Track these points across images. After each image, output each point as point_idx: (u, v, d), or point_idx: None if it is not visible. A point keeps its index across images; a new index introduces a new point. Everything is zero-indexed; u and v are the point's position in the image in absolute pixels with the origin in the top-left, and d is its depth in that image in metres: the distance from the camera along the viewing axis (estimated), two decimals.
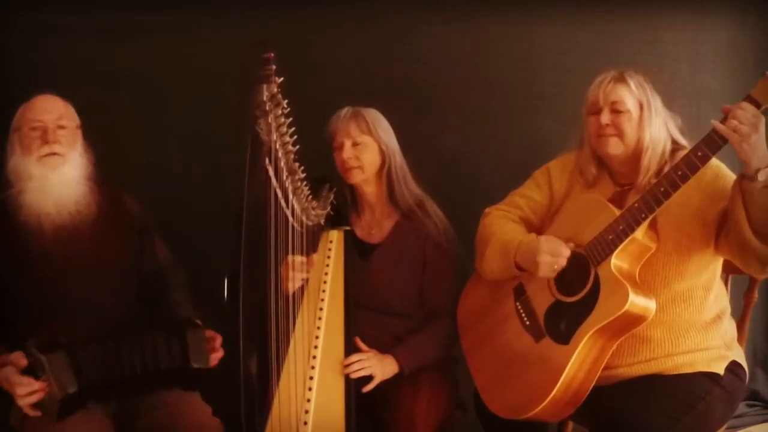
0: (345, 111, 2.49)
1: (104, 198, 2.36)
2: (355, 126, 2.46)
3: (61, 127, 2.29)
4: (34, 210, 2.25)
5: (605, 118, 2.15)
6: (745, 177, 1.95)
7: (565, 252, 2.13)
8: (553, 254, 2.13)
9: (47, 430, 2.06)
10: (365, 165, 2.47)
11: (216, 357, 2.23)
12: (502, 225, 2.32)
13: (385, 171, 2.50)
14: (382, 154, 2.49)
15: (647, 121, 2.15)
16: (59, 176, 2.27)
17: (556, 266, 2.14)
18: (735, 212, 1.97)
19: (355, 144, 2.45)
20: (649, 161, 2.16)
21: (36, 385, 2.04)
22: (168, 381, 2.19)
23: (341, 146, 2.46)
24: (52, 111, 2.29)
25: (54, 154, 2.26)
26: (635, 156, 2.17)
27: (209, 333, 2.24)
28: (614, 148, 2.17)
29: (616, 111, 2.15)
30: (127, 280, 2.38)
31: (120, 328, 2.21)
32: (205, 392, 2.28)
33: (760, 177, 1.92)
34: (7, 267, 2.24)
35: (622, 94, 2.15)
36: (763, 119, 1.91)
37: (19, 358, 2.06)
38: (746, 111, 1.91)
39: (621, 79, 2.16)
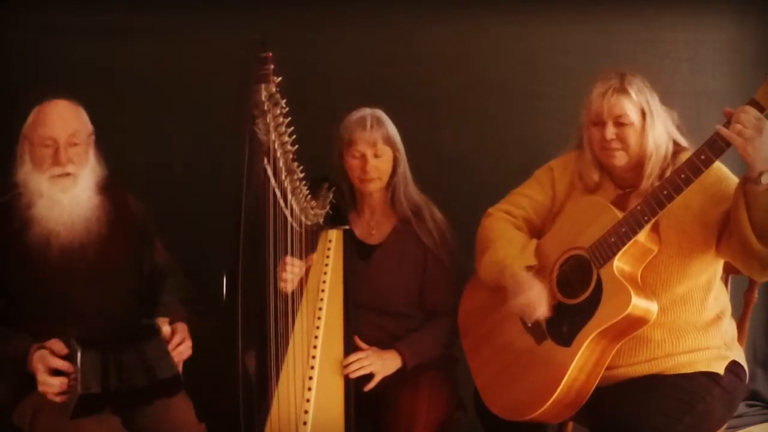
0: (369, 120, 2.43)
1: (111, 207, 2.36)
2: (380, 137, 2.43)
3: (74, 144, 2.26)
4: (44, 226, 2.24)
5: (610, 133, 2.14)
6: (749, 180, 1.95)
7: (539, 313, 2.14)
8: (528, 306, 2.14)
9: (59, 428, 2.07)
10: (384, 175, 2.47)
11: (180, 352, 2.21)
12: (502, 233, 2.30)
13: (393, 178, 2.50)
14: (395, 161, 2.48)
15: (650, 128, 2.14)
16: (70, 197, 2.26)
17: (524, 317, 2.17)
18: (737, 215, 1.97)
19: (376, 156, 2.44)
20: (652, 166, 2.15)
21: (70, 368, 2.05)
22: (149, 394, 2.17)
23: (362, 157, 2.43)
24: (65, 127, 2.24)
25: (66, 174, 2.24)
26: (639, 162, 2.17)
27: (173, 327, 2.23)
28: (619, 160, 2.16)
29: (620, 124, 2.14)
30: (127, 282, 2.38)
31: (119, 330, 2.22)
32: (205, 393, 2.28)
33: (764, 180, 1.92)
34: (10, 267, 2.24)
35: (625, 106, 2.12)
36: (766, 122, 1.91)
37: (60, 346, 2.07)
38: (749, 114, 1.90)
39: (622, 90, 2.13)
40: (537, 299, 2.14)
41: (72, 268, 2.26)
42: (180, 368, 2.20)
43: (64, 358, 2.07)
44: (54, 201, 2.24)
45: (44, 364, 2.06)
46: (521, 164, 2.57)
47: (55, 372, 2.07)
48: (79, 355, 2.03)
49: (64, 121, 2.26)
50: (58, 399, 2.06)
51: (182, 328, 2.26)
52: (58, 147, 2.23)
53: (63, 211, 2.25)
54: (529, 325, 2.22)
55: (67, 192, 2.25)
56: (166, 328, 2.21)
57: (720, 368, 2.16)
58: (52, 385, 2.05)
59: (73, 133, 2.26)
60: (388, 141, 2.45)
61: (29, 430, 2.16)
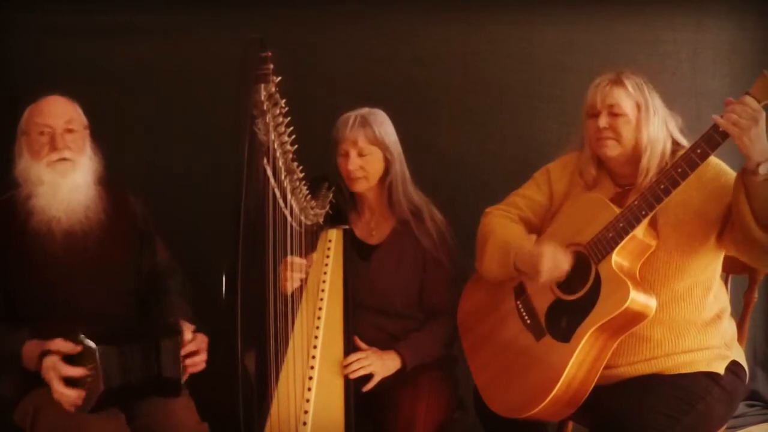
0: (353, 119, 2.44)
1: (111, 201, 2.37)
2: (362, 136, 2.43)
3: (70, 131, 2.28)
4: (45, 214, 2.25)
5: (603, 121, 2.15)
6: (747, 171, 1.95)
7: (566, 262, 2.13)
8: (555, 262, 2.13)
9: (63, 426, 2.06)
10: (370, 175, 2.46)
11: (195, 363, 2.21)
12: (501, 225, 2.32)
13: (387, 178, 2.49)
14: (386, 162, 2.47)
15: (645, 122, 2.15)
16: (70, 182, 2.27)
17: (557, 274, 2.15)
18: (739, 207, 1.97)
19: (361, 154, 2.43)
20: (649, 162, 2.16)
21: (85, 372, 2.04)
22: (145, 390, 2.17)
23: (347, 155, 2.44)
24: (60, 115, 2.28)
25: (64, 159, 2.26)
26: (635, 157, 2.17)
27: (195, 337, 2.23)
28: (612, 150, 2.17)
29: (613, 114, 2.15)
30: (128, 281, 2.39)
31: (119, 329, 2.22)
32: (205, 393, 2.28)
33: (762, 170, 1.92)
34: (10, 267, 2.24)
35: (618, 97, 2.15)
36: (763, 113, 1.92)
37: (67, 345, 2.06)
38: (746, 105, 1.91)
39: (618, 82, 2.16)
40: (557, 254, 2.13)
41: (73, 262, 2.26)
42: (185, 376, 2.20)
43: (75, 356, 2.05)
44: (54, 186, 2.25)
45: (57, 372, 2.05)
46: (521, 164, 2.57)
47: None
48: (97, 353, 2.03)
49: (60, 109, 2.29)
50: (72, 409, 2.06)
51: (202, 340, 2.25)
52: (55, 133, 2.25)
53: (63, 196, 2.26)
54: (525, 321, 2.23)
55: (67, 177, 2.27)
56: (187, 334, 2.21)
57: (720, 368, 2.16)
58: (69, 396, 2.04)
59: (69, 120, 2.29)
60: (375, 141, 2.44)
61: (30, 430, 2.15)
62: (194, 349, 2.22)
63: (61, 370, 2.05)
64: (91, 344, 2.04)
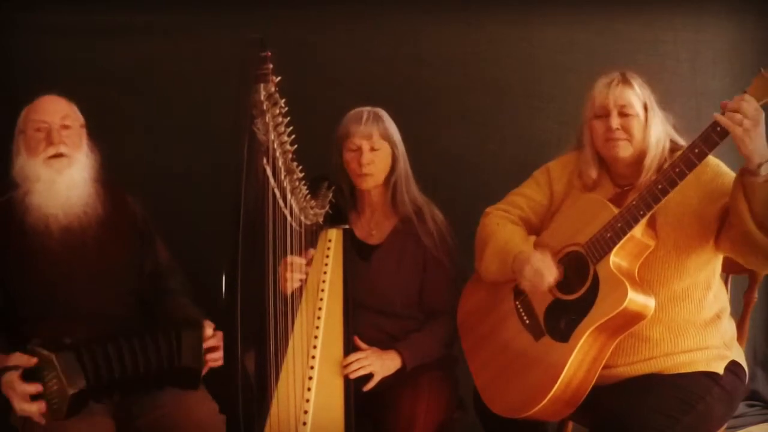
0: (366, 114, 2.45)
1: (109, 200, 2.37)
2: (376, 131, 2.43)
3: (66, 127, 2.30)
4: (42, 211, 2.25)
5: (615, 122, 2.15)
6: (747, 172, 1.94)
7: (551, 274, 2.14)
8: (536, 273, 2.14)
9: (52, 430, 2.06)
10: (378, 170, 2.46)
11: (214, 358, 2.22)
12: (501, 227, 2.32)
13: (392, 177, 2.49)
14: (393, 159, 2.48)
15: (651, 122, 2.16)
16: (66, 178, 2.27)
17: (538, 283, 2.15)
18: (737, 207, 1.97)
19: (373, 149, 2.44)
20: (651, 162, 2.16)
21: (41, 388, 2.03)
22: (160, 380, 2.18)
23: (358, 149, 2.44)
24: (56, 111, 2.29)
25: (60, 155, 2.26)
26: (639, 157, 2.17)
27: (216, 334, 2.24)
28: (624, 151, 2.16)
29: (624, 114, 2.15)
30: (128, 281, 2.39)
31: (119, 329, 2.22)
32: (210, 392, 2.28)
33: (763, 171, 1.91)
34: (10, 267, 2.24)
35: (629, 96, 2.14)
36: (763, 113, 1.91)
37: (23, 358, 2.04)
38: (750, 104, 1.90)
39: (626, 82, 2.16)
40: (543, 265, 2.14)
41: (72, 259, 2.26)
42: (204, 370, 2.21)
43: (36, 368, 2.04)
44: (50, 182, 2.25)
45: (15, 391, 2.02)
46: (521, 164, 2.57)
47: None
48: (55, 359, 2.02)
49: (56, 106, 2.31)
50: (42, 420, 2.05)
51: (221, 338, 2.24)
52: (51, 129, 2.26)
53: (60, 192, 2.27)
54: (524, 321, 2.23)
55: (63, 173, 2.27)
56: (208, 330, 2.22)
57: (719, 368, 2.16)
58: (32, 411, 2.03)
59: (65, 116, 2.30)
60: (386, 137, 2.45)
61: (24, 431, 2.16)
62: (214, 344, 2.22)
63: (18, 388, 2.02)
64: (46, 353, 2.02)
